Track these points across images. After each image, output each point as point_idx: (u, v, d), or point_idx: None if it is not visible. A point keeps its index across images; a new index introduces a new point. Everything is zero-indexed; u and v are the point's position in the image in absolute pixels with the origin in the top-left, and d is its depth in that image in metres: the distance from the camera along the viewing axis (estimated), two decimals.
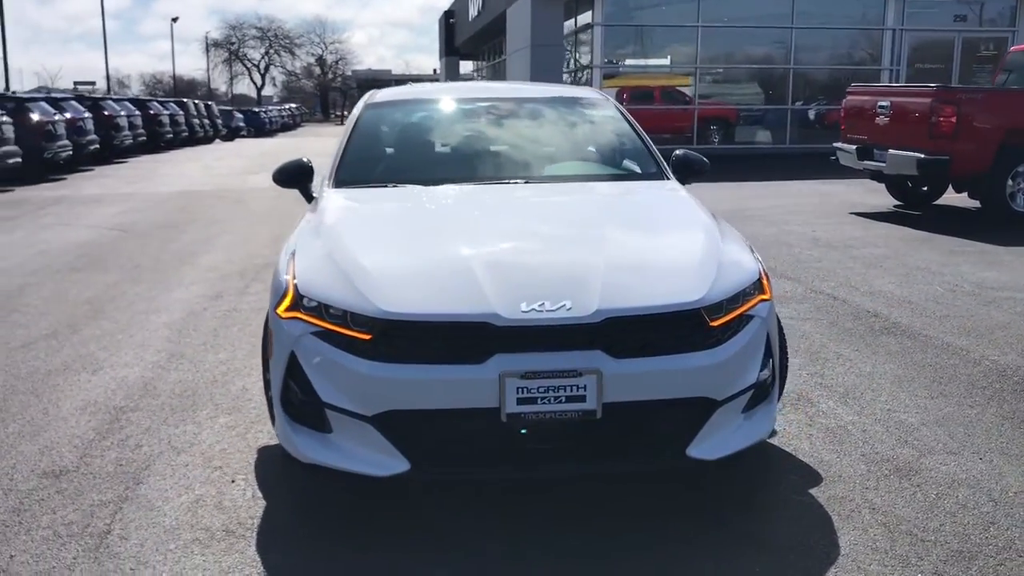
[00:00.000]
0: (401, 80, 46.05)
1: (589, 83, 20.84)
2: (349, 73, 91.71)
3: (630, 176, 4.70)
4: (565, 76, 22.14)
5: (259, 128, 50.87)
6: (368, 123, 4.99)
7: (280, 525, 3.33)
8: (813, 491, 3.56)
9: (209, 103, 43.43)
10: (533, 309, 3.10)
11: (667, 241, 3.74)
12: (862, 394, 4.66)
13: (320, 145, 28.57)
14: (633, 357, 3.15)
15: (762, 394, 3.49)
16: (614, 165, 4.87)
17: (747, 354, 3.35)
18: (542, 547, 3.15)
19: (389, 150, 4.97)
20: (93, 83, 69.12)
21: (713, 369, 3.22)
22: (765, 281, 3.59)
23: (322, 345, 3.21)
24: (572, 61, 23.51)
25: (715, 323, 3.28)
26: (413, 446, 3.14)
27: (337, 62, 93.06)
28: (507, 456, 3.18)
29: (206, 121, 37.33)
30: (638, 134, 4.92)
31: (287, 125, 61.69)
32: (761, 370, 3.45)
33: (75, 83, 68.20)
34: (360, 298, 3.20)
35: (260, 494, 3.56)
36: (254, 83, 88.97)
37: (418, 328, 3.13)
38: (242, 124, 46.32)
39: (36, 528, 3.30)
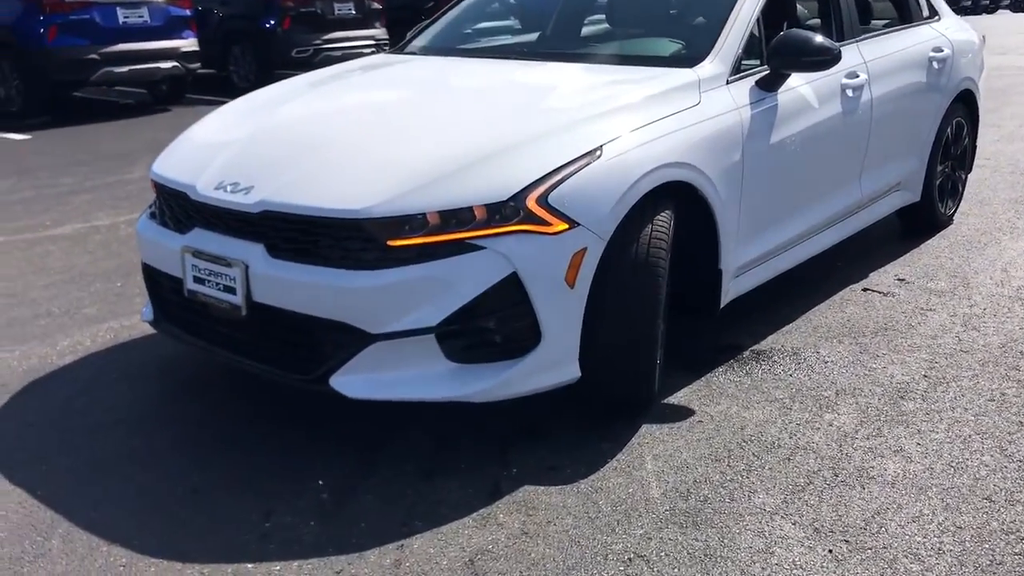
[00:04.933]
0: None
1: None
2: None
3: (653, 61, 3.58)
4: None
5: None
6: None
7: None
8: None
9: None
10: (221, 189, 2.96)
11: (457, 139, 2.95)
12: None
13: None
14: (287, 260, 2.80)
15: (496, 349, 2.75)
16: (679, 42, 3.76)
17: (430, 288, 2.65)
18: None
19: (488, 22, 4.68)
20: None
21: (361, 294, 2.67)
22: (539, 209, 2.69)
23: None
24: None
25: (396, 242, 2.68)
26: (155, 299, 3.34)
27: None
28: (196, 330, 3.15)
29: None
30: (733, 14, 3.63)
31: None
32: (483, 317, 2.70)
33: None
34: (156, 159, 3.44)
35: None
36: None
37: (160, 191, 3.27)
38: None
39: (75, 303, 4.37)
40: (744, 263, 3.53)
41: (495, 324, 2.72)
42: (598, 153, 2.86)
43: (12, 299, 4.35)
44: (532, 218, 2.69)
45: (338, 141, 3.06)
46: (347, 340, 2.74)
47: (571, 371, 2.85)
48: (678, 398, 3.24)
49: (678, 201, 3.09)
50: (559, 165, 2.78)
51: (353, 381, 2.75)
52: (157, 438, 3.04)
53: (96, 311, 4.18)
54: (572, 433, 3.00)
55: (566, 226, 2.72)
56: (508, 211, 2.69)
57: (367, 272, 2.67)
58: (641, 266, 2.87)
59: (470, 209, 2.67)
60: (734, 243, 3.39)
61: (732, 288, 3.51)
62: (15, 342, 3.84)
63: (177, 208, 3.14)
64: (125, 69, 9.76)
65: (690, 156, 3.10)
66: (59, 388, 3.41)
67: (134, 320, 4.02)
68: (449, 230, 2.67)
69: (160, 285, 3.27)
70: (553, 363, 2.80)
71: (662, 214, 2.99)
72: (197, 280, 2.99)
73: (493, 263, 2.66)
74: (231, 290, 2.89)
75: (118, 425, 3.13)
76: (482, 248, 2.66)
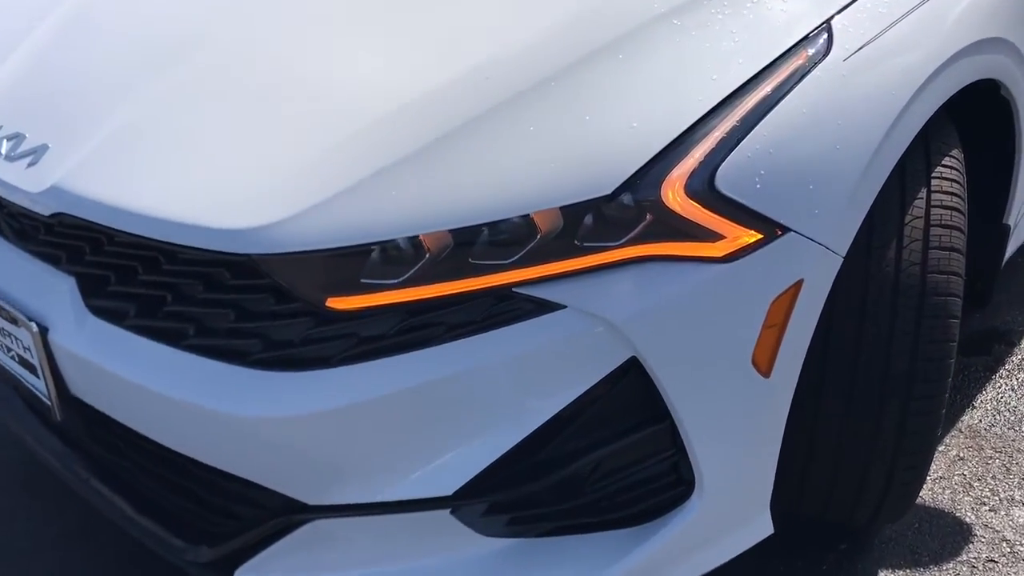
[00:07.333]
0: None
1: None
2: None
3: None
4: None
5: None
6: None
7: None
8: None
9: None
10: None
11: (477, 38, 1.29)
12: None
13: None
14: (120, 325, 1.25)
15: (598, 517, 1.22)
16: None
17: (434, 411, 1.11)
18: None
19: None
20: None
21: (274, 431, 1.13)
22: (694, 206, 1.08)
23: None
24: None
25: (345, 302, 1.11)
26: None
27: None
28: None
29: None
30: None
31: None
32: (564, 462, 1.16)
33: None
34: None
35: None
36: None
37: None
38: None
39: None
40: None
41: (592, 471, 1.18)
42: (821, 42, 1.20)
43: None
44: (676, 227, 1.09)
45: (219, 51, 1.41)
46: (263, 506, 1.24)
47: (757, 531, 1.33)
48: (927, 486, 1.71)
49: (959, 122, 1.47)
50: (729, 92, 1.13)
51: None
52: None
53: None
54: None
55: (758, 236, 1.11)
56: (616, 216, 1.08)
57: (286, 376, 1.13)
58: (913, 291, 1.27)
59: (526, 219, 1.08)
60: None
61: (1009, 249, 1.91)
62: None
63: None
64: None
65: (997, 23, 1.42)
66: None
67: None
68: (476, 269, 1.09)
69: None
70: (720, 527, 1.28)
71: (948, 159, 1.36)
72: None
73: (584, 341, 1.09)
74: (31, 367, 1.38)
75: None
76: (557, 307, 1.08)
